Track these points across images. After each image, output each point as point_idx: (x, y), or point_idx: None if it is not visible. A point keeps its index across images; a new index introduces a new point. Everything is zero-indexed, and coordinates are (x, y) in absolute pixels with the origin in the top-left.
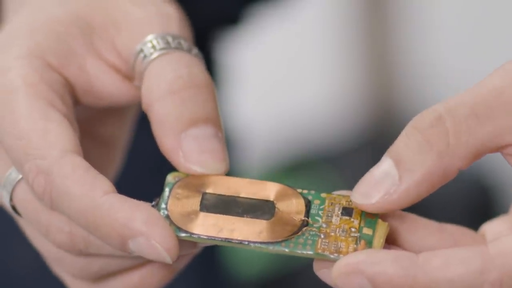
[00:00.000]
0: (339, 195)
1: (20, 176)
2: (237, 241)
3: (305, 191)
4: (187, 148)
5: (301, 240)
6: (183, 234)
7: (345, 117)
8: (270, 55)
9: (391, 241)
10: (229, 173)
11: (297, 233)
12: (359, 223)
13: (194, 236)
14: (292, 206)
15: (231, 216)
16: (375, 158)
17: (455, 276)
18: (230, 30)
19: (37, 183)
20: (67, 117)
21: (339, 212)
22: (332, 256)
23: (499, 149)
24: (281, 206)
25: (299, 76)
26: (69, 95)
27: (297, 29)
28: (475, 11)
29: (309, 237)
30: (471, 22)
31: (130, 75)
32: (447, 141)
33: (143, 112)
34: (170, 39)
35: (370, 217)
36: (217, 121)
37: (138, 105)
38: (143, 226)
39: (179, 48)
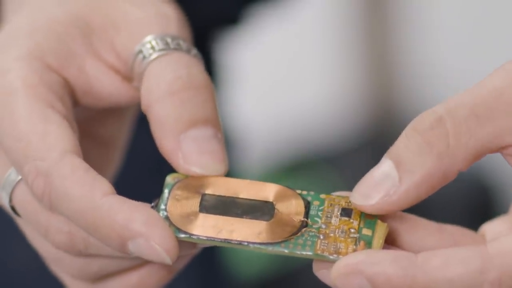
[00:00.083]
0: (338, 196)
1: (20, 177)
2: (236, 242)
3: (304, 192)
4: (186, 149)
5: (300, 241)
6: (182, 235)
7: (345, 117)
8: (270, 55)
9: (390, 242)
10: (229, 173)
11: (297, 234)
12: (359, 224)
13: (194, 237)
14: (291, 207)
15: (230, 217)
16: (375, 158)
17: (454, 275)
18: (230, 30)
19: (37, 184)
20: (66, 118)
21: (338, 213)
22: (331, 257)
23: (499, 149)
24: (281, 207)
25: (298, 76)
26: (69, 96)
27: (296, 29)
28: (475, 11)
29: (308, 238)
30: (471, 22)
31: (129, 76)
32: (447, 142)
33: (142, 112)
34: (169, 40)
35: (369, 218)
36: (216, 122)
37: (137, 105)
38: (143, 227)
39: (178, 48)
